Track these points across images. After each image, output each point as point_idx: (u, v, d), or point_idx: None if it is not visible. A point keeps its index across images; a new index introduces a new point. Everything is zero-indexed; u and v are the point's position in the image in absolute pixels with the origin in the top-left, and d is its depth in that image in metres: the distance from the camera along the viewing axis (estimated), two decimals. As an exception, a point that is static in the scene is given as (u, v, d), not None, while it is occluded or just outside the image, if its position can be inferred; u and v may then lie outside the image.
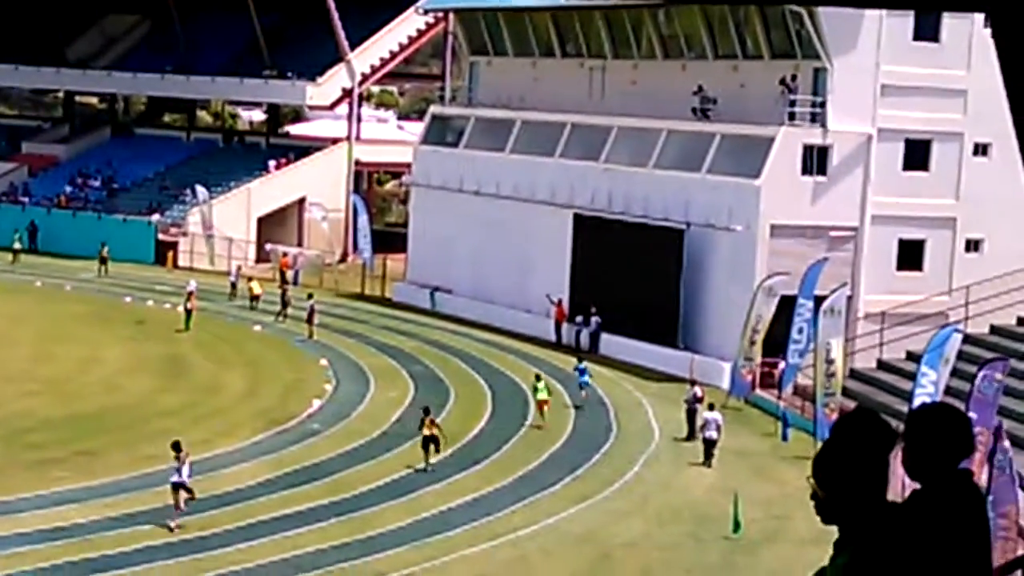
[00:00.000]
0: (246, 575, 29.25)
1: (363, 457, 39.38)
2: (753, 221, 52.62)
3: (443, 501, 35.43)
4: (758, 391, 49.47)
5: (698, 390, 44.53)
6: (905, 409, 41.79)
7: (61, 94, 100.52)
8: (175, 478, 32.71)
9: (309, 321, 57.39)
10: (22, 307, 61.21)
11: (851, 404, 45.03)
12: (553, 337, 58.69)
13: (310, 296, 59.82)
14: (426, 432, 38.25)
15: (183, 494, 32.65)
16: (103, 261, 71.59)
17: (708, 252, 54.10)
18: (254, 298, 63.30)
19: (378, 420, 43.77)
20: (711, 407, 42.85)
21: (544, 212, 61.32)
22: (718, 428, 41.46)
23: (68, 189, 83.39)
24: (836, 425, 4.30)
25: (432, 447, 38.27)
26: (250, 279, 64.94)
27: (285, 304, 60.78)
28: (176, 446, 33.69)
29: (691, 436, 43.15)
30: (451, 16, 76.49)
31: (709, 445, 41.19)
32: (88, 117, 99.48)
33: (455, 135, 68.68)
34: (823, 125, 53.17)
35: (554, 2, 63.46)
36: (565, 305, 58.71)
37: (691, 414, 43.77)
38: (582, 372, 48.62)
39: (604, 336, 56.76)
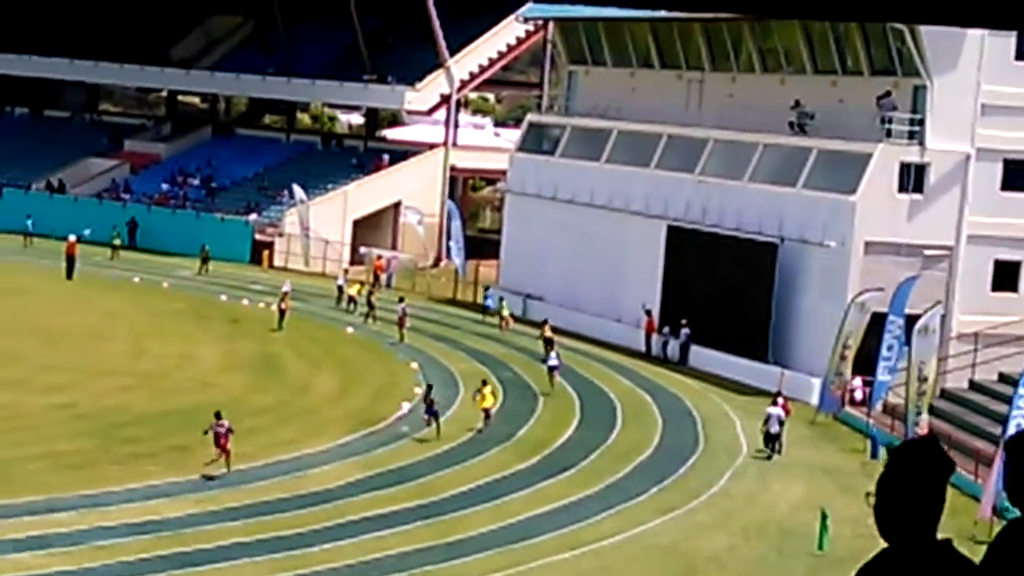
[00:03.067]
0: (331, 574, 29.50)
1: (451, 461, 39.62)
2: (847, 237, 52.40)
3: (530, 507, 35.58)
4: (847, 408, 49.25)
5: (778, 412, 44.08)
6: (997, 431, 41.54)
7: (164, 93, 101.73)
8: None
9: (400, 325, 57.78)
10: (120, 303, 62.06)
11: (939, 423, 44.85)
12: (643, 348, 58.72)
13: (401, 300, 60.24)
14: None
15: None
16: (204, 260, 72.39)
17: (801, 267, 53.92)
18: (350, 300, 63.83)
19: (467, 425, 43.99)
20: (774, 402, 44.15)
21: (637, 223, 61.37)
22: (780, 422, 43.12)
23: (168, 187, 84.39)
24: (897, 450, 4.45)
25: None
26: (355, 283, 65.35)
27: (371, 306, 61.19)
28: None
29: (770, 456, 43.29)
30: (551, 25, 76.74)
31: (771, 439, 43.07)
32: (190, 117, 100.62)
33: (551, 143, 68.87)
34: (921, 143, 52.84)
35: (654, 14, 63.47)
36: (655, 316, 58.71)
37: (769, 436, 43.73)
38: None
39: (693, 348, 56.72)
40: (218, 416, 37.31)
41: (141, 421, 41.52)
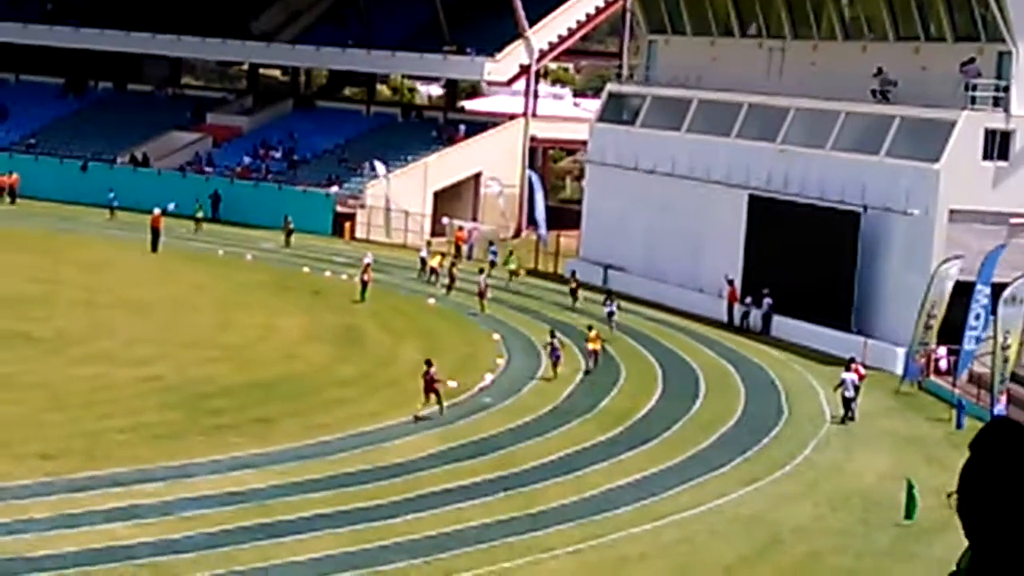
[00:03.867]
0: (412, 546, 29.66)
1: (532, 433, 39.68)
2: (931, 205, 51.95)
3: (611, 479, 35.58)
4: (932, 377, 48.90)
5: (852, 377, 44.01)
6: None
7: (246, 66, 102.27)
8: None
9: (481, 296, 57.91)
10: (204, 275, 62.57)
11: (1022, 391, 44.46)
12: (725, 318, 58.53)
13: (481, 271, 60.40)
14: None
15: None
16: (288, 232, 72.80)
17: (884, 236, 53.51)
18: (432, 272, 64.05)
19: (548, 396, 44.07)
20: (847, 367, 44.31)
21: (719, 192, 61.12)
22: (855, 388, 43.55)
23: (250, 160, 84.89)
24: (979, 441, 3.91)
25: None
26: (437, 254, 65.71)
27: (452, 278, 61.34)
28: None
29: (844, 419, 43.47)
30: (630, -6, 76.42)
31: (847, 403, 43.52)
32: (271, 89, 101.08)
33: (631, 113, 68.67)
34: (1006, 109, 52.27)
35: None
36: (737, 286, 58.49)
37: (847, 401, 43.77)
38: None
39: (776, 318, 56.47)
40: (428, 363, 41.00)
41: (226, 392, 41.87)
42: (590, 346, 48.54)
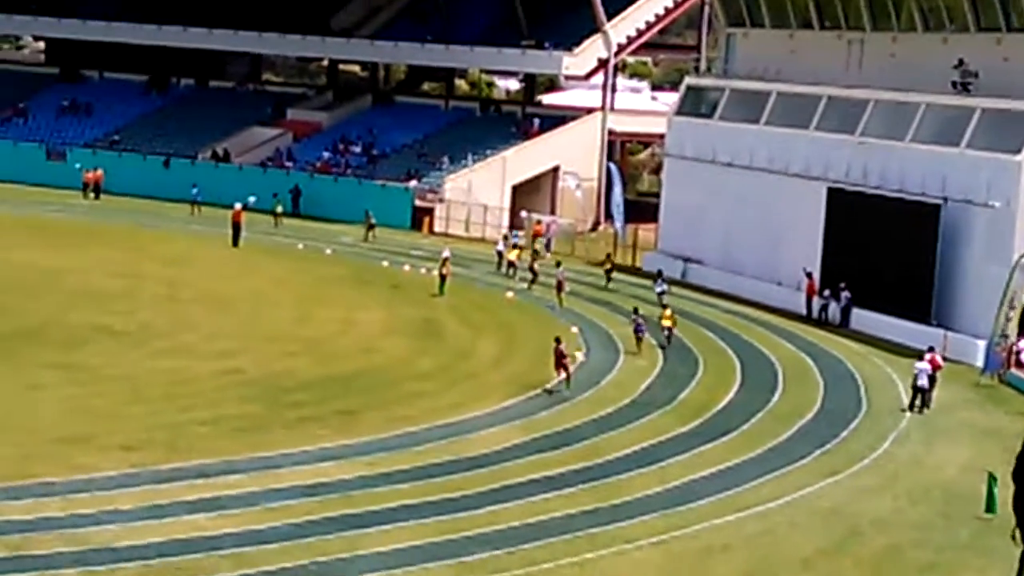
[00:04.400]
0: (495, 538, 29.86)
1: (612, 424, 39.81)
2: (1013, 197, 51.63)
3: (691, 471, 35.67)
4: (1013, 369, 48.58)
5: (926, 367, 43.88)
6: None
7: (325, 62, 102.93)
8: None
9: (558, 289, 58.08)
10: (284, 269, 63.10)
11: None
12: (803, 310, 58.38)
13: (558, 264, 60.58)
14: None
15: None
16: (370, 227, 73.19)
17: (964, 228, 53.21)
18: (510, 265, 64.30)
19: (627, 388, 44.18)
20: (920, 357, 44.12)
21: (797, 185, 60.97)
22: (929, 378, 43.33)
23: (329, 155, 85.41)
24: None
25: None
26: (515, 247, 66.01)
27: (534, 273, 61.53)
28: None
29: (912, 407, 43.55)
30: (708, -13, 76.34)
31: (919, 393, 43.35)
32: (350, 85, 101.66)
33: (709, 106, 68.59)
34: (1089, 100, 51.82)
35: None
36: (816, 279, 58.32)
37: (917, 390, 43.62)
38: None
39: (855, 310, 56.28)
40: (557, 340, 44.12)
41: (306, 386, 42.23)
42: (665, 323, 51.14)
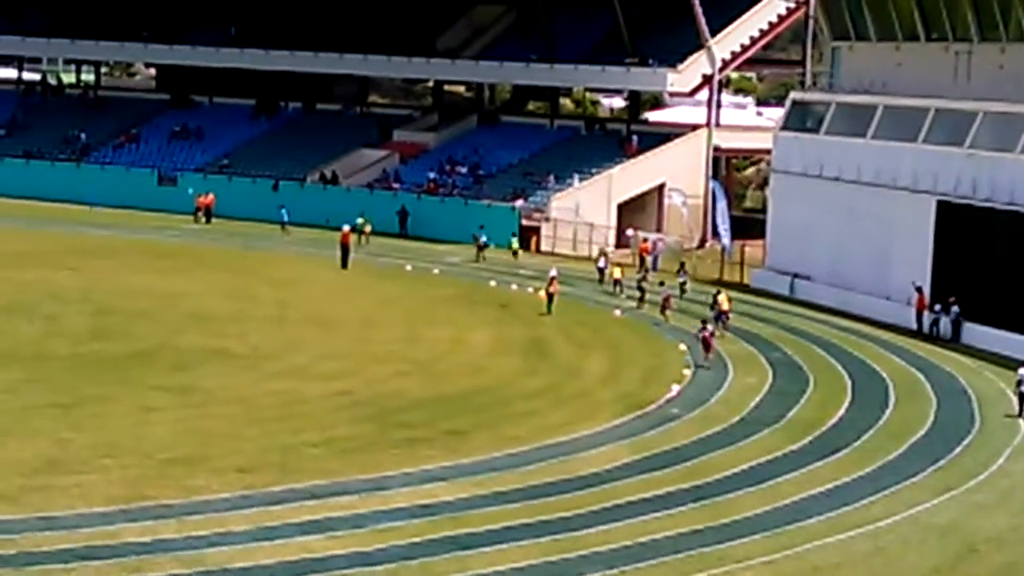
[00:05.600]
0: (605, 557, 29.82)
1: (721, 443, 39.62)
2: (1125, 208, 50.87)
3: (801, 489, 35.41)
4: None
5: None
6: None
7: (431, 83, 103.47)
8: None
9: (663, 310, 58.02)
10: (393, 290, 63.50)
11: None
12: (913, 325, 57.84)
13: (661, 284, 60.56)
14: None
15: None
16: (480, 247, 73.38)
17: (1078, 240, 52.46)
18: (615, 283, 64.32)
19: (736, 406, 43.98)
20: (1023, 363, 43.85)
21: (906, 199, 60.45)
22: None
23: (436, 176, 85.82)
24: None
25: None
26: (617, 264, 66.10)
27: (642, 291, 61.49)
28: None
29: (1020, 414, 43.42)
30: (812, 1, 75.92)
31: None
32: (456, 106, 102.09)
33: (815, 121, 68.20)
34: None
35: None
36: (926, 293, 57.77)
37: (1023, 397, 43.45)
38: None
39: (966, 324, 55.67)
40: (704, 322, 50.73)
41: (416, 406, 42.41)
42: (724, 306, 55.79)
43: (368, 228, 76.77)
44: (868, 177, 63.01)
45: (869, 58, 66.78)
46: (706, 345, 50.16)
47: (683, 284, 63.85)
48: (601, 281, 65.78)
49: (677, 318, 57.72)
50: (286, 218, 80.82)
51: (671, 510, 33.24)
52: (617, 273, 64.72)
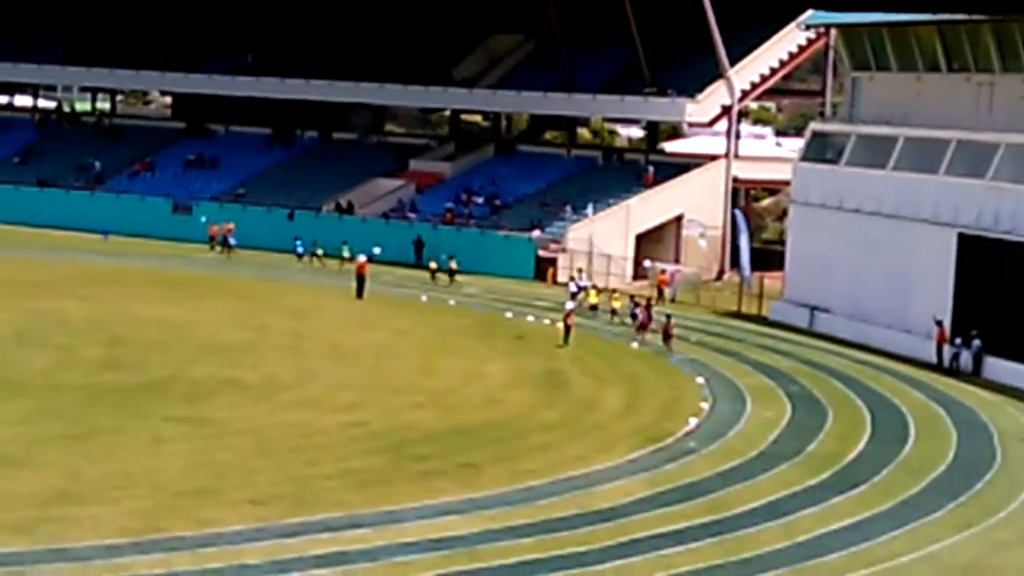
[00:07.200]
0: (623, 592, 29.46)
1: (740, 477, 39.20)
2: None
3: (821, 524, 35.00)
4: None
5: None
6: None
7: (447, 113, 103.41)
8: None
9: (666, 340, 57.73)
10: (408, 321, 63.19)
11: None
12: (934, 359, 57.37)
13: (668, 317, 60.13)
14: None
15: None
16: (450, 272, 73.89)
17: (1100, 273, 52.02)
18: (591, 307, 65.50)
19: (755, 440, 43.55)
20: None
21: (926, 231, 60.04)
22: None
23: (453, 205, 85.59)
24: None
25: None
26: (597, 290, 67.83)
27: (645, 319, 61.18)
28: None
29: None
30: (833, 32, 75.70)
31: None
32: (472, 135, 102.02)
33: (835, 152, 67.85)
34: None
35: (941, 17, 62.01)
36: (947, 326, 57.31)
37: None
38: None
39: (988, 359, 55.19)
40: (668, 317, 56.03)
41: (431, 438, 42.06)
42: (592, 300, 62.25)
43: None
44: (888, 209, 62.64)
45: (890, 89, 66.47)
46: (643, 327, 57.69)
47: (578, 291, 66.11)
48: (577, 302, 65.69)
49: (696, 350, 57.28)
50: (300, 250, 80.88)
51: (689, 545, 32.85)
52: (593, 299, 65.47)
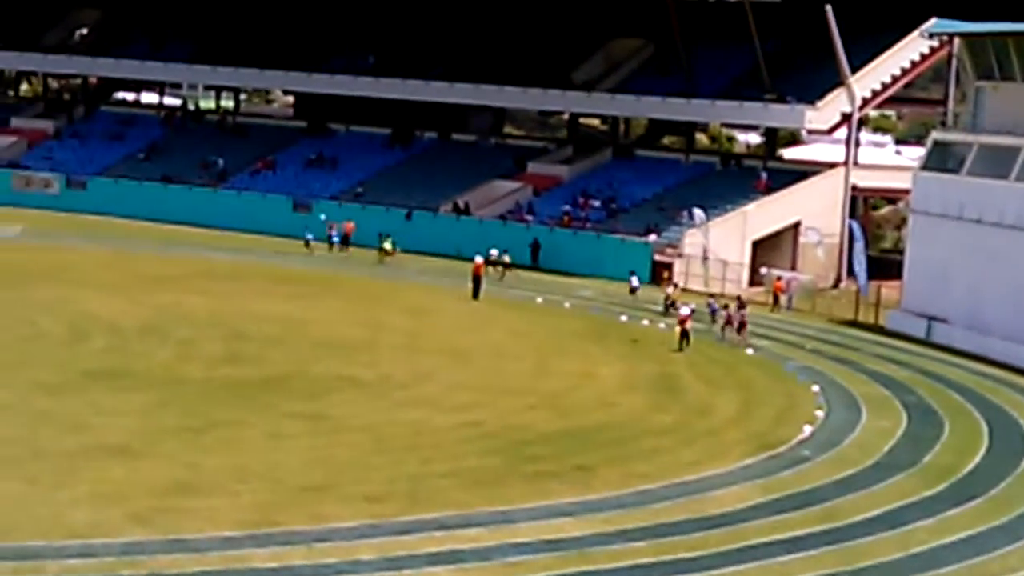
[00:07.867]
0: (732, 598, 29.46)
1: (855, 486, 38.99)
2: None
3: (936, 537, 34.74)
4: None
5: None
6: None
7: (566, 116, 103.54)
8: None
9: (739, 330, 59.71)
10: (523, 322, 63.42)
11: None
12: (1055, 373, 56.72)
13: (741, 305, 62.57)
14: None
15: None
16: (633, 291, 73.04)
17: None
18: (670, 304, 66.37)
19: (870, 450, 43.28)
20: None
21: (1049, 243, 59.30)
22: None
23: (570, 208, 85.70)
24: None
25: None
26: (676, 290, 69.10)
27: (735, 324, 61.16)
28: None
29: None
30: (956, 40, 74.94)
31: None
32: (590, 139, 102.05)
33: (956, 162, 67.18)
34: None
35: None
36: (1068, 340, 56.60)
37: None
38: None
39: (1111, 373, 54.46)
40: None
41: (545, 439, 42.23)
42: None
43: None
44: (1010, 220, 61.94)
45: (1013, 99, 65.68)
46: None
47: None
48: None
49: (811, 358, 56.96)
50: (309, 236, 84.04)
51: (802, 553, 32.74)
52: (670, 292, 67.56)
